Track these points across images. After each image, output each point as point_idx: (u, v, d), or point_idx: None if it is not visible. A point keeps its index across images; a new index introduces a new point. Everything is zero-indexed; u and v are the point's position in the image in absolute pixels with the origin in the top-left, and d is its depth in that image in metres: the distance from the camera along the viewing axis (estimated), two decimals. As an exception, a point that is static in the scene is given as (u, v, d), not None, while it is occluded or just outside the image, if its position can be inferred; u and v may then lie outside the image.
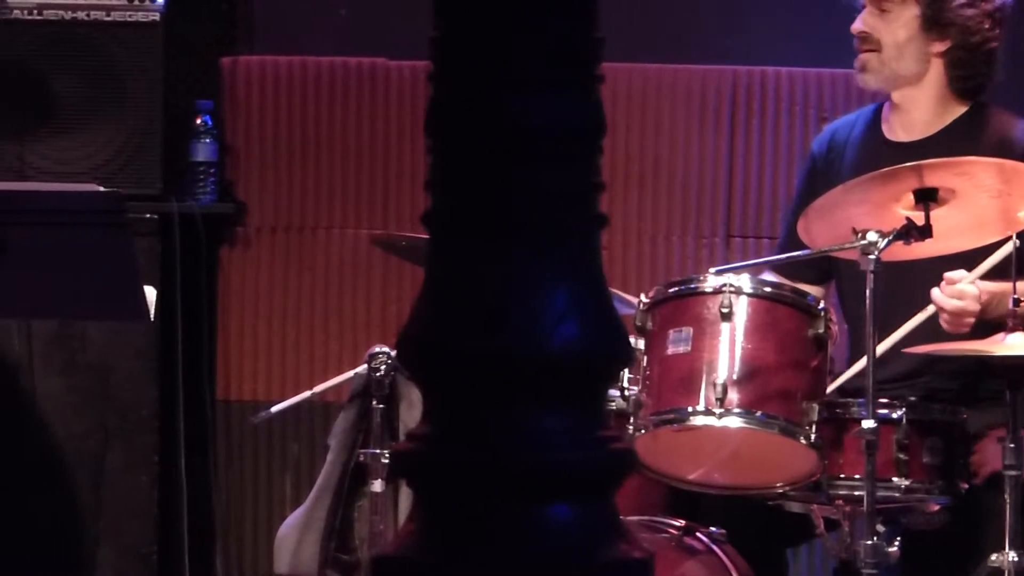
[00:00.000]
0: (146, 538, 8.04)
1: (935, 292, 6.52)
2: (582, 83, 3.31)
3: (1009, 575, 6.17)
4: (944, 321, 6.51)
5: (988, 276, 6.53)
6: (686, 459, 6.57)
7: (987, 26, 6.80)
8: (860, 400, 6.29)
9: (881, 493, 6.29)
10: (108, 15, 7.89)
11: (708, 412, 6.38)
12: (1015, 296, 6.33)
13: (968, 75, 6.80)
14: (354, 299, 7.85)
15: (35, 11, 8.02)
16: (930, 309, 6.53)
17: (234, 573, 8.05)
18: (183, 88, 7.99)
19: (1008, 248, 6.39)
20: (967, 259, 6.58)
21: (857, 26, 6.86)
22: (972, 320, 6.46)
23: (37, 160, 7.69)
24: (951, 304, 6.48)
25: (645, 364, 6.46)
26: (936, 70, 6.83)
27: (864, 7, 6.87)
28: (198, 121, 7.94)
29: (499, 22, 3.22)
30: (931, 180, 6.40)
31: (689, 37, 7.95)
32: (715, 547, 6.52)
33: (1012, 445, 6.22)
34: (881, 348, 6.37)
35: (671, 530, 6.56)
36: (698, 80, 7.99)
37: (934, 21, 6.77)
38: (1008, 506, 6.20)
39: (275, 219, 8.09)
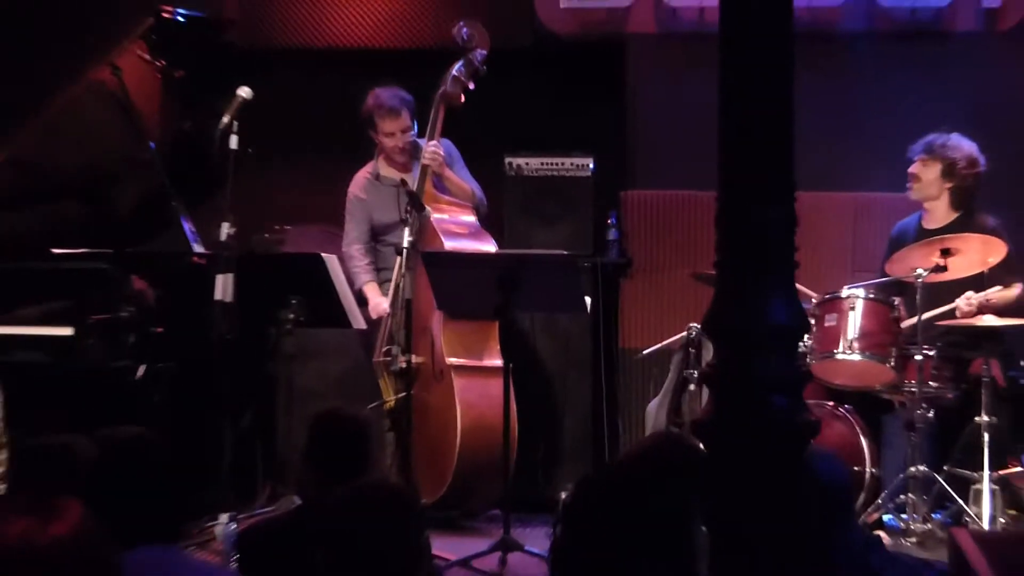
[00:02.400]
0: (586, 420, 7.53)
1: (959, 300, 6.55)
2: (788, 200, 3.33)
3: (983, 427, 6.20)
4: (959, 313, 6.53)
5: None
6: (834, 374, 6.65)
7: (972, 181, 6.79)
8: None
9: (925, 390, 6.37)
10: (570, 169, 7.66)
11: (844, 352, 6.48)
12: (988, 299, 6.49)
13: (960, 200, 6.79)
14: (682, 302, 7.72)
15: (527, 170, 7.61)
16: (951, 305, 6.55)
17: (626, 435, 7.91)
18: (602, 206, 7.64)
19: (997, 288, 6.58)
20: (967, 282, 6.57)
21: (911, 170, 6.81)
22: (972, 314, 6.46)
23: (538, 241, 7.65)
24: (966, 308, 6.52)
25: (815, 330, 6.52)
26: (945, 195, 6.81)
27: (916, 161, 6.83)
28: (609, 221, 7.83)
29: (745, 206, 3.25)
30: (948, 244, 6.53)
31: (829, 175, 7.77)
32: (848, 415, 6.67)
33: (985, 366, 6.32)
34: (925, 316, 6.37)
35: (828, 407, 6.67)
36: (836, 200, 7.81)
37: (948, 173, 6.74)
38: (983, 395, 6.27)
39: (647, 265, 7.85)
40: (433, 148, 6.92)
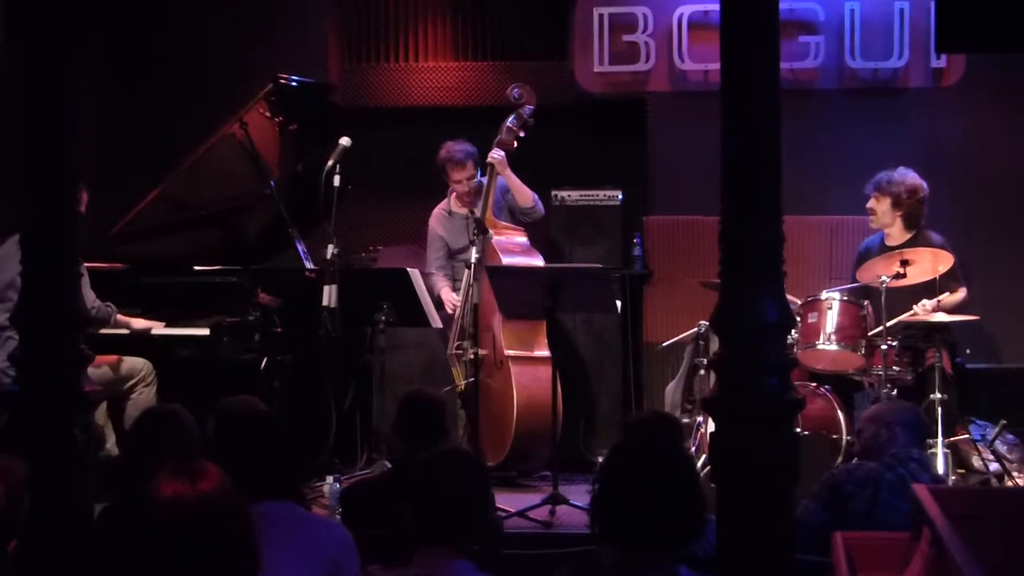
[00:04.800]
0: (617, 399, 7.39)
1: (916, 306, 6.42)
2: (777, 223, 3.29)
3: (936, 403, 6.12)
4: (919, 313, 6.40)
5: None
6: (816, 360, 6.50)
7: (917, 207, 6.69)
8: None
9: (888, 374, 6.25)
10: (603, 200, 7.67)
11: (823, 343, 6.37)
12: (939, 302, 6.31)
13: (911, 222, 6.67)
14: (693, 304, 7.63)
15: (568, 200, 7.52)
16: (913, 308, 6.42)
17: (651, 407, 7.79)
18: (631, 230, 7.61)
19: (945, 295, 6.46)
20: (919, 288, 6.42)
21: (869, 204, 6.74)
22: (928, 315, 6.34)
23: (578, 257, 7.54)
24: (923, 311, 6.37)
25: (800, 326, 6.40)
26: (898, 220, 6.71)
27: (870, 197, 6.77)
28: (635, 240, 7.76)
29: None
30: (907, 256, 6.41)
31: (810, 202, 7.67)
32: (827, 393, 6.44)
33: (937, 354, 6.23)
34: (891, 323, 6.28)
35: (811, 387, 6.44)
36: (815, 222, 7.72)
37: (896, 204, 6.66)
38: (936, 377, 6.19)
39: (665, 276, 7.63)
40: (498, 153, 6.83)
